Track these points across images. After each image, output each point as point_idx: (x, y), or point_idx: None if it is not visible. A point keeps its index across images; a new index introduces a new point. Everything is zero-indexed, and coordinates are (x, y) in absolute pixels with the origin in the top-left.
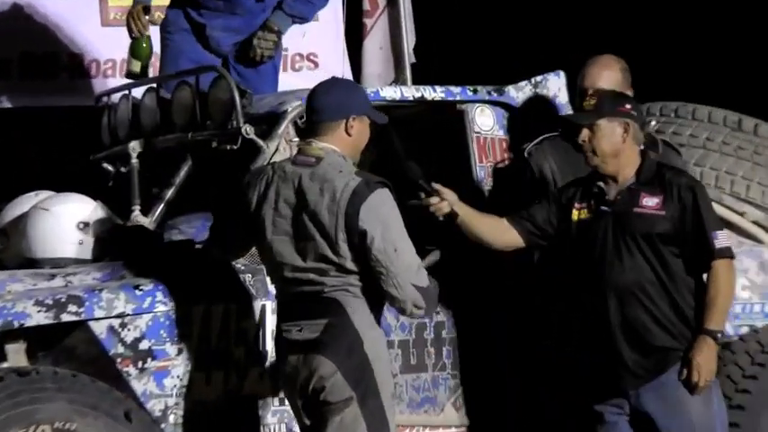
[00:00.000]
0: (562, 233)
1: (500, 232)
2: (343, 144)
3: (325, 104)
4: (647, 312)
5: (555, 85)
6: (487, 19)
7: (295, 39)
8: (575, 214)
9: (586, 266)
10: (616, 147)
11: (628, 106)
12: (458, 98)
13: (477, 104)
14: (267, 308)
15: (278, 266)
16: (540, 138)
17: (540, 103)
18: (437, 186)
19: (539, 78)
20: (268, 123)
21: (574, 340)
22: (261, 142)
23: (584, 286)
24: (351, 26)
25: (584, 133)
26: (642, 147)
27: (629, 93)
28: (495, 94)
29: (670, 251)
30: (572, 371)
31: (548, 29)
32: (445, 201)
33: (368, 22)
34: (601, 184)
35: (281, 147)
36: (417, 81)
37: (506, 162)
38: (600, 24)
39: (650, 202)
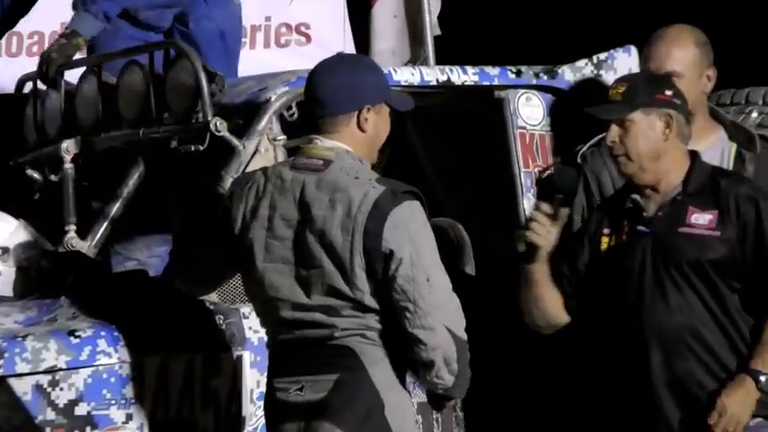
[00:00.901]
0: (588, 269)
1: (560, 309)
2: (356, 142)
3: (329, 92)
4: (704, 366)
5: (624, 65)
6: None
7: (280, 5)
8: (603, 242)
9: (619, 307)
10: (656, 147)
11: (668, 93)
12: (496, 82)
13: (522, 91)
14: (245, 359)
15: (271, 304)
16: (598, 137)
17: (605, 90)
18: (565, 212)
19: (603, 56)
20: (245, 116)
21: (598, 361)
22: (235, 141)
23: (616, 334)
24: None
25: (614, 132)
26: (687, 145)
27: (711, 73)
28: (546, 77)
29: (728, 284)
30: (597, 393)
31: None
32: (553, 235)
33: None
34: (636, 197)
35: (261, 147)
36: (443, 60)
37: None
38: None
39: (701, 219)
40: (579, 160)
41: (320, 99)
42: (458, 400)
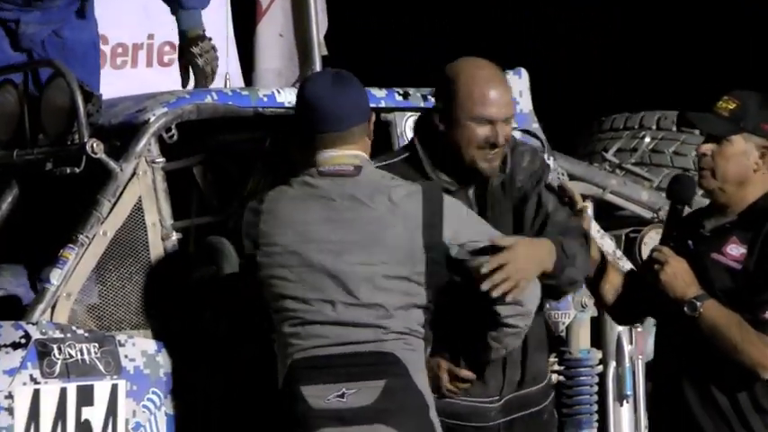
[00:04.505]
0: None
1: None
2: (366, 149)
3: (347, 107)
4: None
5: (515, 88)
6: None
7: (163, 22)
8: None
9: (665, 315)
10: (744, 174)
11: None
12: (383, 104)
13: (409, 113)
14: (120, 389)
15: (302, 308)
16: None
17: None
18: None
19: None
20: (122, 138)
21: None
22: (113, 164)
23: (664, 343)
24: (240, 6)
25: (708, 147)
26: None
27: None
28: (434, 100)
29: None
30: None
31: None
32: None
33: (263, 0)
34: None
35: (139, 170)
36: None
37: None
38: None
39: (735, 251)
40: None
41: (338, 115)
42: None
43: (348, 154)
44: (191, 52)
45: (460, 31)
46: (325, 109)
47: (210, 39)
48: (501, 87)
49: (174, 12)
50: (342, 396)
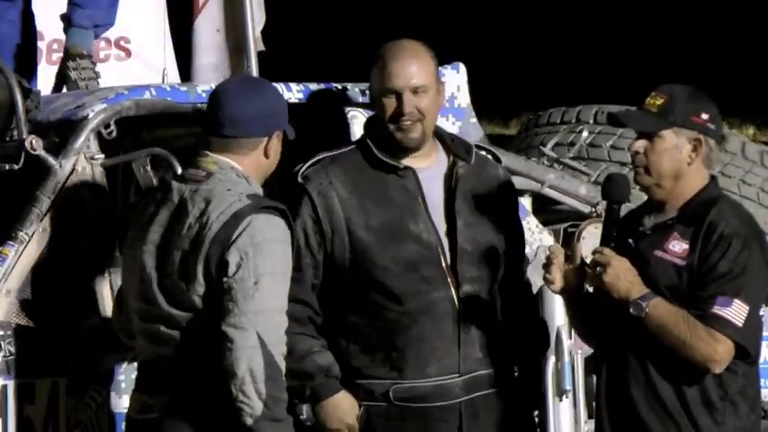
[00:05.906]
0: None
1: None
2: (254, 167)
3: (244, 113)
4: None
5: (453, 82)
6: None
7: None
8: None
9: (608, 313)
10: (678, 168)
11: (704, 116)
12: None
13: (349, 109)
14: (61, 386)
15: (133, 312)
16: (319, 156)
17: None
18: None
19: None
20: (61, 134)
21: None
22: (51, 160)
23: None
24: (177, 1)
25: (640, 144)
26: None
27: (442, 87)
28: None
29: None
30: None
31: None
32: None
33: None
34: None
35: (78, 166)
36: (267, 76)
37: None
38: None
39: (677, 246)
40: (301, 180)
41: (233, 119)
42: None
43: (212, 159)
44: (66, 65)
45: (427, 27)
46: (216, 107)
47: (95, 64)
48: (406, 60)
49: (65, 29)
50: (143, 406)
